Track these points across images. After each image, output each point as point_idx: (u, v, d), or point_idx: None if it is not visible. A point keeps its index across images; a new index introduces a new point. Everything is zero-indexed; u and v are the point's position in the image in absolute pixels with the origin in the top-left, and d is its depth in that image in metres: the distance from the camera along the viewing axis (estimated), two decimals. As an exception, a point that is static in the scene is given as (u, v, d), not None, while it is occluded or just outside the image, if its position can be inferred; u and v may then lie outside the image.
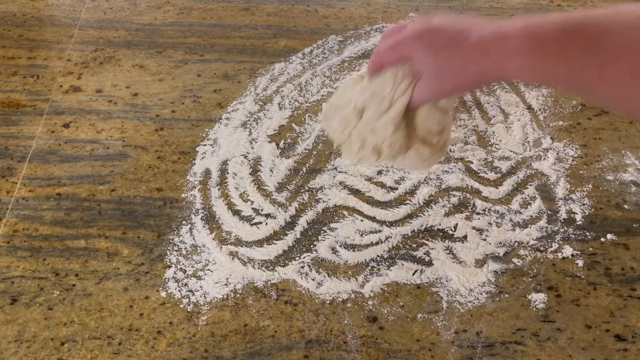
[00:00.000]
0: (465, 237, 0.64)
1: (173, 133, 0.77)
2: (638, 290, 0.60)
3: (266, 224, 0.66)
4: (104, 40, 0.92)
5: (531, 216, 0.67)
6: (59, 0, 1.01)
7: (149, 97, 0.82)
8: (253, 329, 0.57)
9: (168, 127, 0.77)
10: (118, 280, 0.61)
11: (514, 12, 0.98)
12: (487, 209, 0.67)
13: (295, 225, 0.66)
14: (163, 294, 0.59)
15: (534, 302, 0.59)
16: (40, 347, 0.55)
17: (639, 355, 0.55)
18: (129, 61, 0.88)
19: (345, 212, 0.67)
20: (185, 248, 0.64)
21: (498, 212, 0.67)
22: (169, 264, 0.62)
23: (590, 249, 0.63)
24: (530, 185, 0.70)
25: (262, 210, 0.67)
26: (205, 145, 0.75)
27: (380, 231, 0.65)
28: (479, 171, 0.72)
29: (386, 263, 0.62)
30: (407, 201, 0.68)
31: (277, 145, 0.75)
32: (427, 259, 0.63)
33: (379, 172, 0.71)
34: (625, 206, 0.67)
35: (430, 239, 0.64)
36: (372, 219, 0.66)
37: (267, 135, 0.76)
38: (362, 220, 0.66)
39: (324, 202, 0.68)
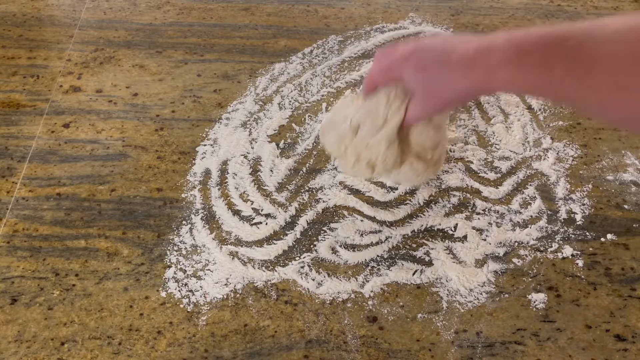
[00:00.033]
0: (465, 237, 0.64)
1: (173, 133, 0.77)
2: (638, 290, 0.60)
3: (266, 224, 0.66)
4: (104, 40, 0.92)
5: (531, 216, 0.67)
6: (59, 0, 1.01)
7: (149, 97, 0.82)
8: (253, 329, 0.57)
9: (168, 127, 0.77)
10: (118, 280, 0.61)
11: (514, 12, 0.98)
12: (487, 209, 0.67)
13: (295, 225, 0.66)
14: (163, 294, 0.59)
15: (534, 302, 0.59)
16: (40, 347, 0.55)
17: (639, 355, 0.55)
18: (129, 61, 0.88)
19: (345, 212, 0.67)
20: (185, 248, 0.64)
21: (498, 212, 0.67)
22: (169, 264, 0.62)
23: (590, 249, 0.63)
24: (530, 185, 0.70)
25: (262, 210, 0.67)
26: (205, 145, 0.75)
27: (380, 231, 0.65)
28: (479, 171, 0.72)
29: (386, 263, 0.62)
30: (407, 201, 0.68)
31: (277, 145, 0.75)
32: (427, 259, 0.63)
33: (379, 172, 0.71)
34: (625, 206, 0.67)
35: (430, 239, 0.64)
36: (372, 219, 0.67)
37: (267, 135, 0.76)
38: (362, 220, 0.66)
39: (324, 202, 0.68)
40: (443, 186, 0.70)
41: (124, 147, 0.74)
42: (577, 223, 0.66)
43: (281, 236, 0.65)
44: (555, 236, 0.64)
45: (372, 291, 0.60)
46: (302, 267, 0.62)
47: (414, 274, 0.61)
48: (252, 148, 0.75)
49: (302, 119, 0.79)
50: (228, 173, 0.72)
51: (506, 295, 0.59)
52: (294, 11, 0.99)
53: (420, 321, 0.57)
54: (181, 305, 0.58)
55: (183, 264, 0.62)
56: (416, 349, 0.55)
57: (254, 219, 0.67)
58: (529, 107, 0.80)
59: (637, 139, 0.76)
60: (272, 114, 0.79)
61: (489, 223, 0.66)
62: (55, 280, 0.60)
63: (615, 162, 0.73)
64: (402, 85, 0.56)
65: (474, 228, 0.65)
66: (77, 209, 0.67)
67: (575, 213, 0.67)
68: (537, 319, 0.57)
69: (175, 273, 0.61)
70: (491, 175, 0.71)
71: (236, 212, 0.67)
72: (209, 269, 0.61)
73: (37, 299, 0.59)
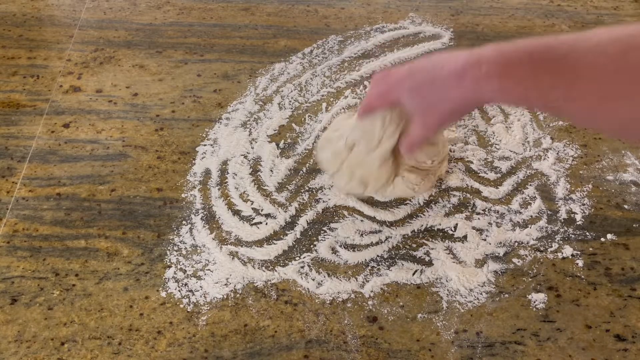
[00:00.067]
0: (465, 237, 0.64)
1: (173, 133, 0.77)
2: (638, 290, 0.60)
3: (266, 224, 0.66)
4: (104, 40, 0.92)
5: (531, 216, 0.67)
6: (59, 0, 1.01)
7: (149, 97, 0.82)
8: (253, 329, 0.57)
9: (168, 127, 0.77)
10: (118, 280, 0.61)
11: (514, 12, 0.98)
12: (487, 209, 0.67)
13: (295, 225, 0.66)
14: (163, 294, 0.59)
15: (534, 302, 0.59)
16: (40, 347, 0.55)
17: (639, 355, 0.55)
18: (129, 61, 0.88)
19: (345, 212, 0.67)
20: (185, 248, 0.64)
21: (498, 212, 0.67)
22: (169, 264, 0.62)
23: (590, 249, 0.63)
24: (530, 185, 0.70)
25: (262, 210, 0.67)
26: (205, 145, 0.75)
27: (380, 231, 0.65)
28: (479, 171, 0.72)
29: (386, 263, 0.62)
30: (407, 201, 0.68)
31: (277, 145, 0.75)
32: (427, 259, 0.63)
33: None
34: (625, 206, 0.67)
35: (430, 239, 0.64)
36: (372, 219, 0.67)
37: (267, 135, 0.76)
38: (362, 220, 0.66)
39: (324, 202, 0.68)
40: (443, 186, 0.70)
41: (124, 147, 0.74)
42: (577, 223, 0.66)
43: (281, 236, 0.65)
44: (555, 236, 0.64)
45: (372, 291, 0.60)
46: (302, 267, 0.62)
47: (414, 274, 0.61)
48: (252, 148, 0.75)
49: (302, 119, 0.79)
50: (228, 173, 0.72)
51: (506, 295, 0.59)
52: (294, 11, 0.99)
53: (420, 321, 0.57)
54: (181, 305, 0.58)
55: (183, 264, 0.62)
56: (416, 349, 0.55)
57: (254, 219, 0.67)
58: (529, 107, 0.80)
59: (637, 139, 0.76)
60: (272, 114, 0.79)
61: (489, 223, 0.66)
62: (55, 280, 0.61)
63: (615, 162, 0.73)
64: (398, 109, 0.59)
65: (474, 228, 0.65)
66: (77, 209, 0.67)
67: (575, 213, 0.67)
68: (537, 319, 0.57)
69: (175, 273, 0.61)
70: (491, 175, 0.71)
71: (236, 212, 0.67)
72: (209, 269, 0.61)
73: (37, 299, 0.59)
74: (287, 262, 0.62)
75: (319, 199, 0.68)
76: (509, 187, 0.70)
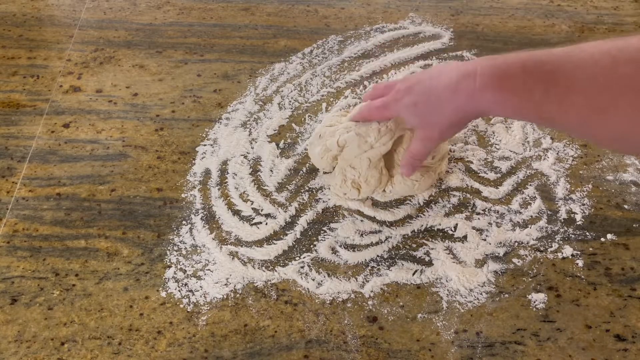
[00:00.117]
0: (465, 237, 0.64)
1: (173, 133, 0.77)
2: (638, 290, 0.60)
3: (266, 224, 0.66)
4: (104, 40, 0.92)
5: (531, 216, 0.67)
6: (59, 0, 1.01)
7: (149, 97, 0.82)
8: (253, 329, 0.57)
9: (168, 127, 0.77)
10: (118, 280, 0.61)
11: (514, 12, 0.98)
12: (487, 209, 0.67)
13: (295, 225, 0.66)
14: (163, 294, 0.59)
15: (534, 302, 0.59)
16: (40, 347, 0.55)
17: (639, 355, 0.55)
18: (129, 61, 0.88)
19: (345, 212, 0.67)
20: (185, 248, 0.64)
21: (498, 212, 0.67)
22: (169, 264, 0.62)
23: (590, 249, 0.63)
24: (530, 185, 0.70)
25: (262, 210, 0.67)
26: (205, 145, 0.75)
27: (380, 231, 0.65)
28: (479, 171, 0.72)
29: (386, 263, 0.62)
30: (407, 201, 0.68)
31: (277, 145, 0.75)
32: (427, 259, 0.63)
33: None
34: (625, 206, 0.67)
35: (430, 239, 0.64)
36: (372, 219, 0.67)
37: (267, 135, 0.76)
38: (362, 220, 0.66)
39: (323, 202, 0.68)
40: (443, 186, 0.70)
41: (124, 147, 0.74)
42: (577, 223, 0.66)
43: (281, 236, 0.65)
44: (555, 236, 0.64)
45: (372, 291, 0.60)
46: (302, 267, 0.62)
47: (414, 274, 0.61)
48: (252, 148, 0.75)
49: (302, 119, 0.79)
50: (228, 173, 0.72)
51: (506, 295, 0.59)
52: (294, 11, 0.99)
53: (420, 321, 0.57)
54: (181, 305, 0.58)
55: (183, 264, 0.62)
56: (416, 349, 0.55)
57: (254, 219, 0.67)
58: (529, 107, 0.80)
59: (637, 139, 0.76)
60: (272, 114, 0.79)
61: (489, 223, 0.66)
62: (55, 280, 0.61)
63: (615, 162, 0.73)
64: (393, 121, 0.61)
65: (474, 228, 0.65)
66: (77, 209, 0.67)
67: (575, 213, 0.67)
68: (537, 319, 0.57)
69: (175, 273, 0.61)
70: (491, 175, 0.71)
71: (236, 212, 0.67)
72: (209, 269, 0.61)
73: (37, 299, 0.59)
74: (287, 262, 0.62)
75: (319, 199, 0.68)
76: (509, 187, 0.70)
